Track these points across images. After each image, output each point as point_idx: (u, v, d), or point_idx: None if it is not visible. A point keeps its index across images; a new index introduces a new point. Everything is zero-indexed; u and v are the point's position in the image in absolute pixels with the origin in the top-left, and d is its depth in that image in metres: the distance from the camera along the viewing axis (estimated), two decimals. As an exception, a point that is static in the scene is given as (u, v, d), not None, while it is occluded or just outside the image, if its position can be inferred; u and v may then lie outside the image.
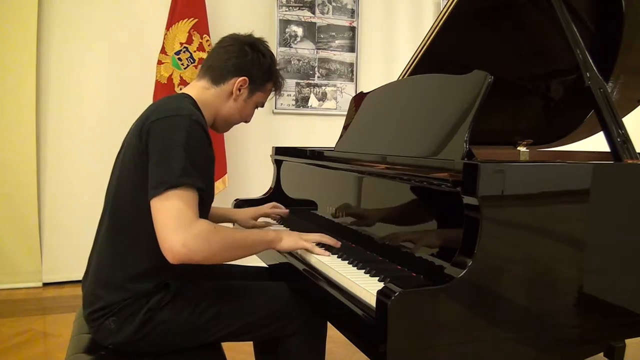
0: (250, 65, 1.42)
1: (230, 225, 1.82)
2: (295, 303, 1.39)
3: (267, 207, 1.82)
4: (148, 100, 3.19)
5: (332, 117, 3.98)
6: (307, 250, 1.37)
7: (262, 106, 1.55)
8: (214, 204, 1.45)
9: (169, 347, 1.30)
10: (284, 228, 1.78)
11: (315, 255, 1.35)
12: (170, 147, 1.18)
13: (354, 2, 4.01)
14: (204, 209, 1.27)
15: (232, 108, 1.45)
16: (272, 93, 1.54)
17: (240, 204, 2.04)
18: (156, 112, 1.26)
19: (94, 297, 1.28)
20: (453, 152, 1.19)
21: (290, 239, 1.37)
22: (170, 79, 3.29)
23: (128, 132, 1.36)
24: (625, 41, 1.81)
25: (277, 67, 1.51)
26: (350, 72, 4.04)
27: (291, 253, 1.46)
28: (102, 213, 1.35)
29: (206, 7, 3.40)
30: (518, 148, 1.90)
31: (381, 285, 1.03)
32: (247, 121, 1.54)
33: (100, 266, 1.30)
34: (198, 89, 1.42)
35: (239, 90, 1.42)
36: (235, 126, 1.56)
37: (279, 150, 2.10)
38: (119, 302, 1.25)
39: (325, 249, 1.38)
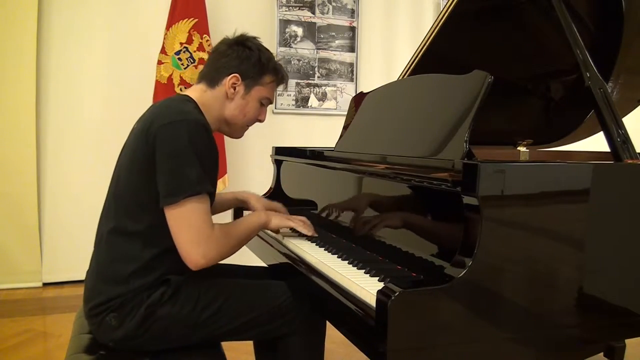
0: (238, 62, 1.42)
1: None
2: (295, 302, 1.39)
3: (279, 206, 1.78)
4: (148, 101, 3.19)
5: (332, 117, 3.98)
6: (292, 227, 1.54)
7: (270, 102, 1.52)
8: None
9: (169, 344, 1.30)
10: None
11: (315, 255, 1.36)
12: (182, 154, 1.22)
13: (354, 2, 4.01)
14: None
15: (232, 108, 1.45)
16: (277, 86, 1.52)
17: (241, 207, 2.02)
18: (162, 116, 1.27)
19: (95, 291, 1.30)
20: (453, 152, 1.19)
21: (279, 218, 1.52)
22: (170, 79, 3.29)
23: (131, 133, 1.37)
24: (625, 41, 1.81)
25: (273, 59, 1.49)
26: (350, 72, 4.04)
27: (291, 253, 1.47)
28: (103, 210, 1.37)
29: (206, 7, 3.40)
30: (518, 148, 1.90)
31: (381, 285, 1.03)
32: (260, 120, 1.53)
33: (101, 261, 1.33)
34: (197, 91, 1.45)
35: (233, 88, 1.43)
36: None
37: (279, 150, 2.10)
38: (120, 296, 1.26)
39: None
